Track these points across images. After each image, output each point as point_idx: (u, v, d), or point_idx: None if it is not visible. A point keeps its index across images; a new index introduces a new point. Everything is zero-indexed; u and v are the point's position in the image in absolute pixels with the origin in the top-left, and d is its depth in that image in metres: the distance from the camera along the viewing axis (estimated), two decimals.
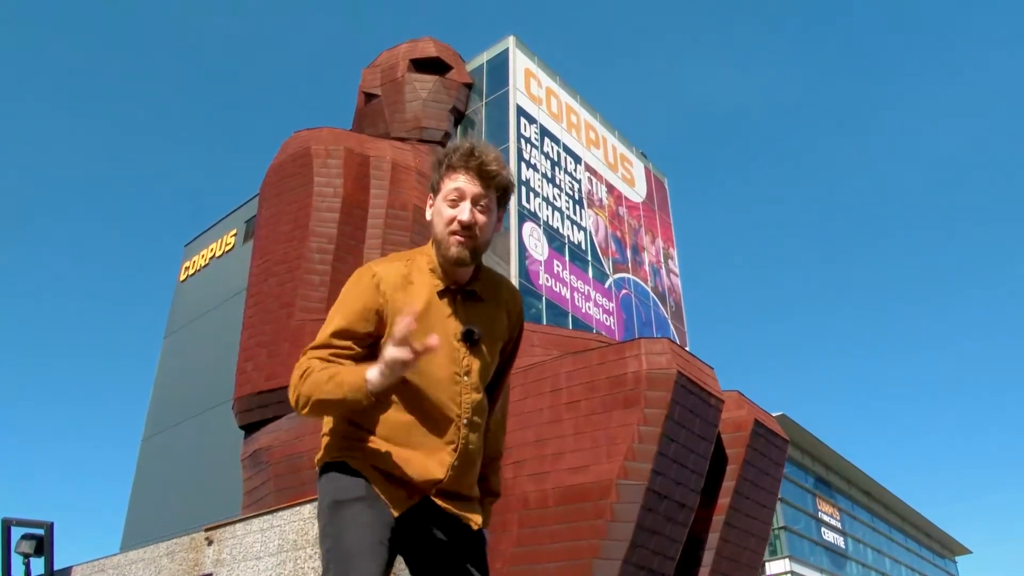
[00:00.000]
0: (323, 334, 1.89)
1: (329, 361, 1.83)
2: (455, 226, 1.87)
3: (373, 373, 1.72)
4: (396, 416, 1.87)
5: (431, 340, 1.71)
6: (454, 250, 1.88)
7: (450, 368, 1.88)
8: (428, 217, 1.97)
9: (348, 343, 1.86)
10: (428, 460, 1.85)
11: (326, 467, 1.91)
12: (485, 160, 1.89)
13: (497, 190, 1.93)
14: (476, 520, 1.90)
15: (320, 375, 1.78)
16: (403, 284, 1.91)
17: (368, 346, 1.88)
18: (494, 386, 2.07)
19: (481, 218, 1.89)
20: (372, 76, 14.64)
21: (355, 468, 1.85)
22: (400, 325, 1.68)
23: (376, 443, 1.87)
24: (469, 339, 1.89)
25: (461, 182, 1.89)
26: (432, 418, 1.86)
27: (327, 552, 1.81)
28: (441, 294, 1.92)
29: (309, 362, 1.84)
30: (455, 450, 1.86)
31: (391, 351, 1.69)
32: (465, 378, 1.89)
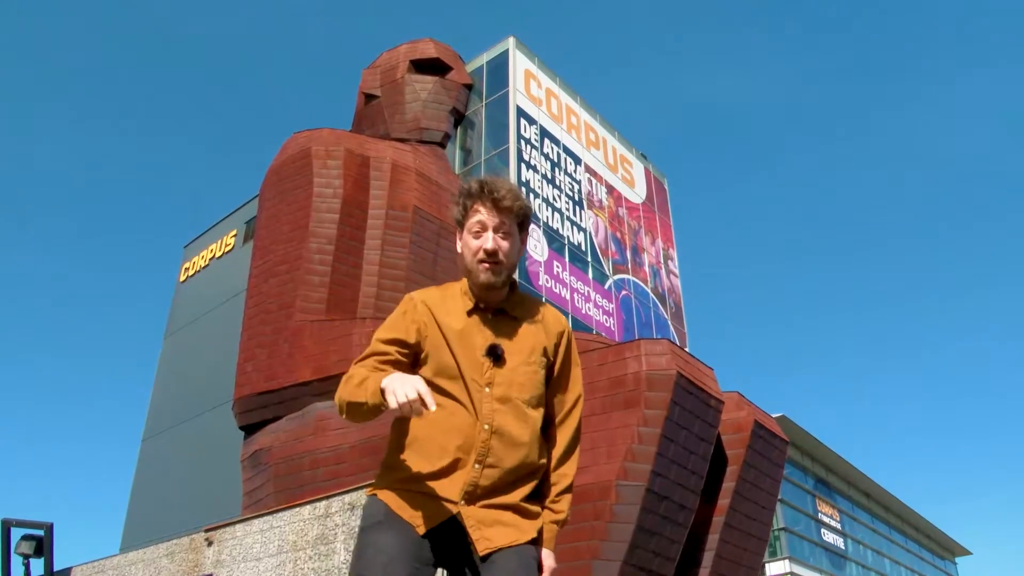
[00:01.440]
0: (370, 346, 2.09)
1: (374, 369, 2.00)
2: (481, 255, 2.06)
3: (383, 384, 1.87)
4: (423, 427, 2.00)
5: (430, 406, 1.81)
6: (483, 276, 2.06)
7: (473, 379, 2.01)
8: (459, 250, 2.16)
9: (394, 348, 2.05)
10: (453, 470, 1.96)
11: (366, 501, 2.09)
12: (499, 194, 2.07)
13: (516, 217, 2.10)
14: (489, 542, 1.92)
15: (353, 380, 1.97)
16: (439, 303, 2.12)
17: (410, 356, 2.07)
18: (554, 413, 2.14)
19: (504, 244, 2.07)
20: (372, 77, 14.64)
21: (380, 498, 2.00)
22: (422, 398, 1.80)
23: (405, 465, 2.00)
24: (492, 354, 2.03)
25: (482, 215, 2.07)
26: (455, 425, 1.98)
27: (355, 551, 1.96)
28: (471, 312, 2.10)
29: (354, 369, 2.02)
30: (479, 456, 1.96)
31: (391, 391, 1.81)
32: (487, 389, 2.00)
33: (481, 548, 1.91)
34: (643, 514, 7.50)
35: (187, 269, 27.77)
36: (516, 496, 2.00)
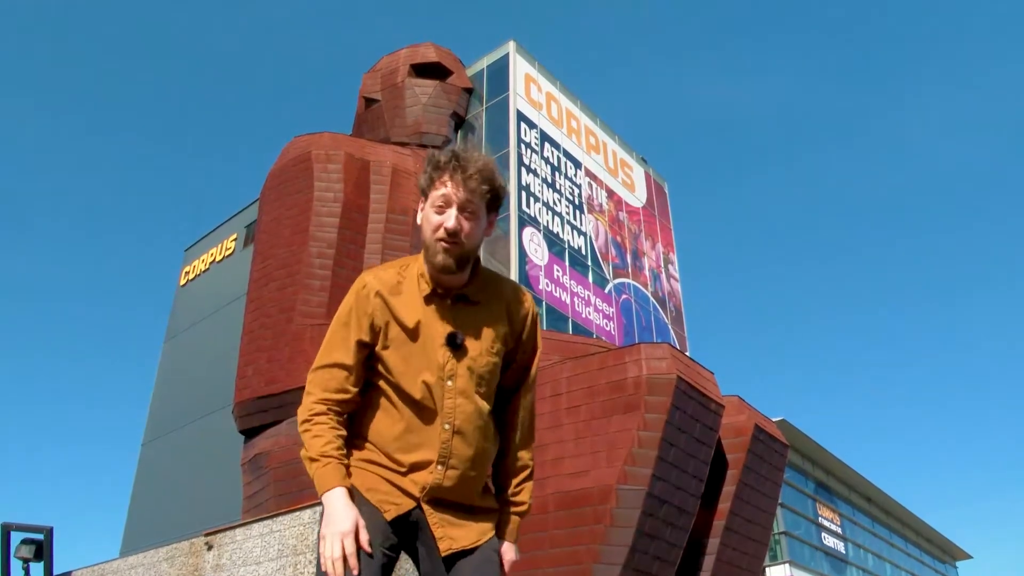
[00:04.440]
0: (326, 356, 1.95)
1: (330, 411, 1.91)
2: (441, 232, 1.87)
3: (322, 537, 1.81)
4: (386, 423, 1.90)
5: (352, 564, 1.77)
6: (440, 257, 1.88)
7: (433, 373, 1.88)
8: (419, 222, 1.98)
9: (350, 361, 1.92)
10: (415, 470, 1.88)
11: None
12: (468, 171, 1.88)
13: (484, 197, 1.92)
14: (452, 542, 1.88)
15: (310, 444, 1.89)
16: (395, 291, 1.94)
17: (366, 354, 1.94)
18: (511, 393, 2.06)
19: (467, 225, 1.88)
20: (372, 81, 14.66)
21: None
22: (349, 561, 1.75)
23: (368, 452, 1.92)
24: (452, 343, 1.89)
25: (448, 188, 1.88)
26: (417, 424, 1.88)
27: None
28: (428, 299, 1.93)
29: (312, 407, 1.92)
30: (441, 456, 1.87)
31: (325, 547, 1.78)
32: (449, 383, 1.88)
33: (444, 547, 1.86)
34: (643, 518, 7.50)
35: (187, 273, 27.77)
36: (475, 495, 1.94)
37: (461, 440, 1.88)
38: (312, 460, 1.87)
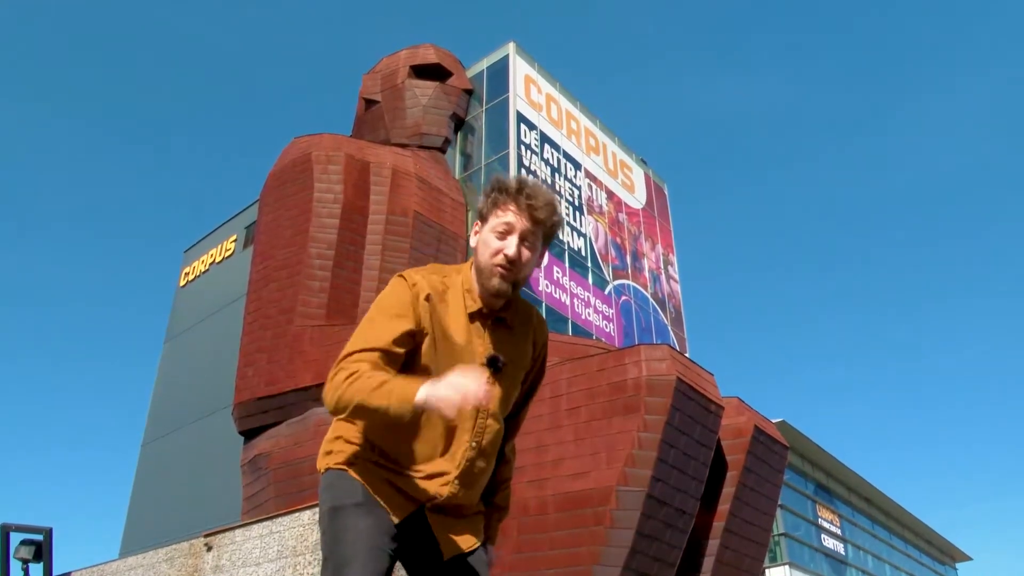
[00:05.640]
0: (371, 337, 1.83)
1: (378, 367, 1.78)
2: (499, 259, 1.89)
3: (423, 395, 1.67)
4: (406, 432, 1.87)
5: (485, 398, 1.67)
6: (495, 281, 1.90)
7: None
8: (472, 244, 1.99)
9: (399, 350, 1.83)
10: (429, 479, 1.87)
11: (327, 473, 1.94)
12: (536, 203, 1.91)
13: (544, 230, 1.95)
14: (455, 547, 1.89)
15: (368, 381, 1.72)
16: (441, 298, 1.93)
17: (408, 353, 1.87)
18: (514, 415, 2.11)
19: (526, 254, 1.92)
20: (372, 82, 14.67)
21: (354, 476, 1.88)
22: (477, 391, 1.65)
23: (380, 457, 1.90)
24: (494, 366, 1.90)
25: (511, 217, 1.91)
26: (442, 439, 1.88)
27: (324, 558, 1.84)
28: (472, 317, 1.94)
29: (358, 365, 1.77)
30: (459, 472, 1.88)
31: (449, 396, 1.65)
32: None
33: (447, 552, 1.87)
34: (643, 519, 7.50)
35: (187, 274, 27.78)
36: (477, 505, 1.99)
37: (482, 459, 1.91)
38: (377, 387, 1.70)
